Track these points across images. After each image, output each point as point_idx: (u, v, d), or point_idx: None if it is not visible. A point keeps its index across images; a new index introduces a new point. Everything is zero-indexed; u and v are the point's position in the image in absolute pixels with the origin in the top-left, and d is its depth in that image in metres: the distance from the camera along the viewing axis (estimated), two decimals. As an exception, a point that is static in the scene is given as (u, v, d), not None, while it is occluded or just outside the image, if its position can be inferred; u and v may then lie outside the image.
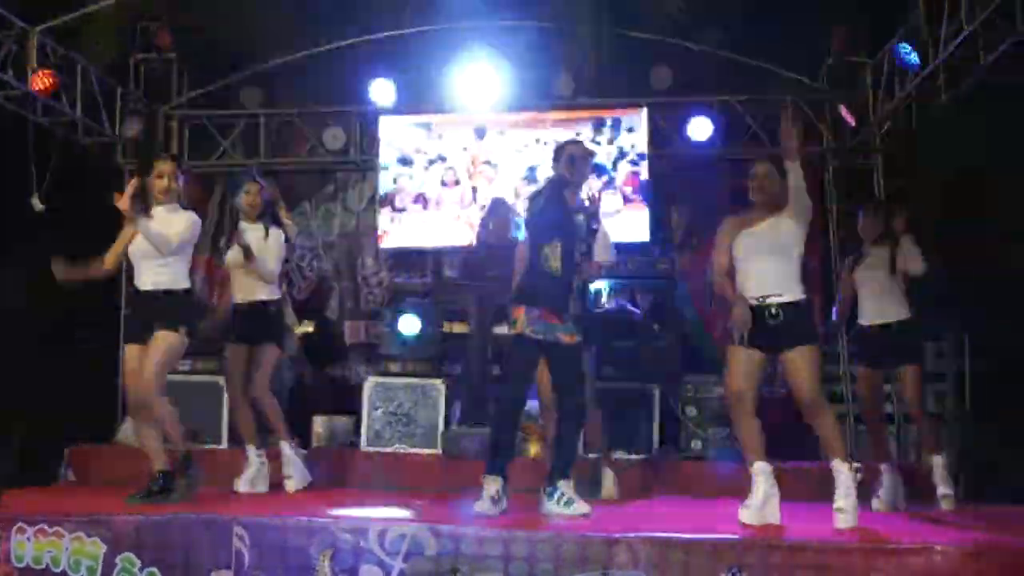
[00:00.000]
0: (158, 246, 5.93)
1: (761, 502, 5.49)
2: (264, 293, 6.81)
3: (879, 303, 6.77)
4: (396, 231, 9.72)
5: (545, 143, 9.44)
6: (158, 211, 6.08)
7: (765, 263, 5.60)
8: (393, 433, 7.92)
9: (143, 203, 6.06)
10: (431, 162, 9.79)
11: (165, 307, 6.01)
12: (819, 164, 9.52)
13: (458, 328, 8.45)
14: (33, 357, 6.00)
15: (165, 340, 5.95)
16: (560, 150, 6.07)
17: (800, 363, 5.51)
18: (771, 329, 5.54)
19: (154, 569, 5.16)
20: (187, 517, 5.28)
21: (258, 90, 10.17)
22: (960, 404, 10.13)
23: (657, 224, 9.65)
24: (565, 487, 5.80)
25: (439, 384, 7.98)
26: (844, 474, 5.44)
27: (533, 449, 7.73)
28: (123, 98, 9.88)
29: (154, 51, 10.15)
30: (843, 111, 9.21)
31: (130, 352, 6.11)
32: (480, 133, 9.81)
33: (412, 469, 7.61)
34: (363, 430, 7.98)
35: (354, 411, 8.39)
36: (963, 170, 9.03)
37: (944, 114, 8.41)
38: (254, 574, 5.11)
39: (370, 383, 8.08)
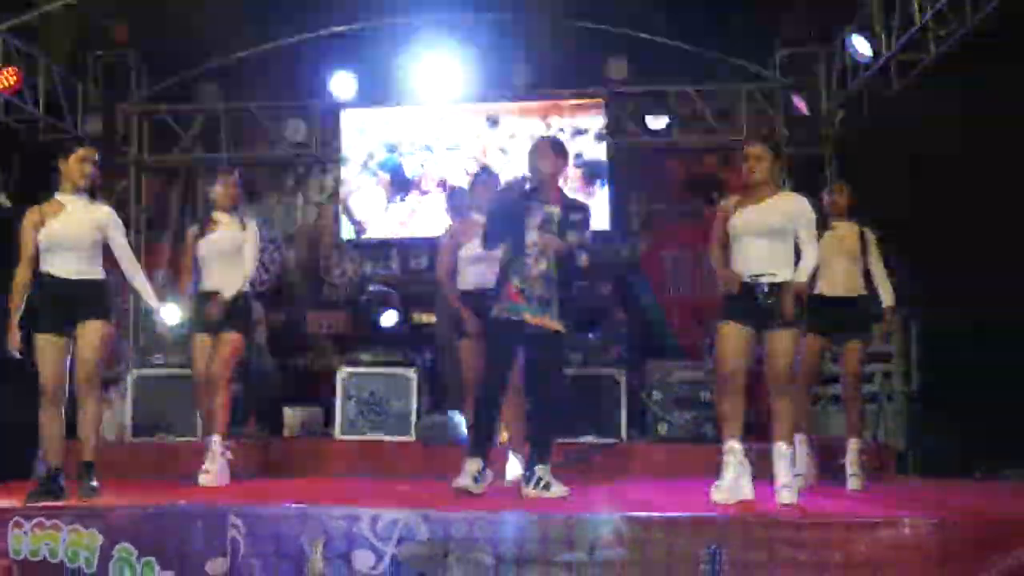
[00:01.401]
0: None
1: (732, 481, 5.64)
2: (237, 284, 6.75)
3: (844, 275, 6.93)
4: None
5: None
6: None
7: (759, 242, 5.73)
8: (366, 422, 8.05)
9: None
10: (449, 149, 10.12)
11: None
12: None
13: (427, 318, 8.60)
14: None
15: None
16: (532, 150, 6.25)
17: (782, 345, 5.69)
18: (761, 307, 5.67)
19: (151, 559, 5.25)
20: (183, 507, 5.38)
21: (216, 85, 10.23)
22: (906, 385, 10.46)
23: (617, 212, 9.86)
24: (542, 472, 5.96)
25: (411, 372, 8.13)
26: (784, 457, 5.63)
27: (505, 435, 7.89)
28: (84, 95, 9.92)
29: (112, 47, 10.19)
30: (795, 100, 9.45)
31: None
32: (492, 122, 10.06)
33: (387, 456, 7.77)
34: (337, 419, 8.10)
35: (320, 401, 8.53)
36: (914, 157, 9.32)
37: (896, 104, 8.68)
38: (249, 562, 5.23)
39: (343, 373, 8.19)
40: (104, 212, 6.06)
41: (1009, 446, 7.89)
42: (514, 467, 6.80)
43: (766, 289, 5.66)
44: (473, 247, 6.69)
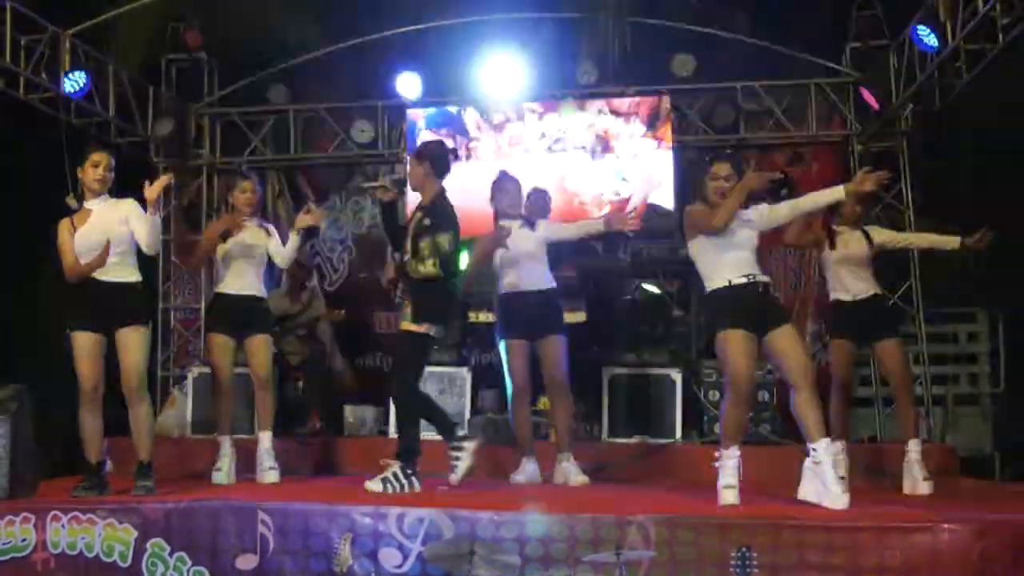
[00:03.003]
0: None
1: (737, 483, 5.60)
2: (256, 288, 6.95)
3: (855, 279, 6.87)
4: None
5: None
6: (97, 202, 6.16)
7: (740, 250, 5.71)
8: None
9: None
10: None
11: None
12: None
13: (483, 317, 8.59)
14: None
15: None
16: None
17: (786, 342, 5.61)
18: (760, 309, 5.64)
19: (183, 554, 5.34)
20: (214, 504, 5.46)
21: (285, 87, 10.36)
22: (994, 386, 10.19)
23: (681, 211, 9.70)
24: (396, 467, 6.22)
25: (465, 372, 8.15)
26: (823, 455, 5.50)
27: (553, 434, 7.87)
28: (155, 98, 10.12)
29: (184, 51, 10.38)
30: (865, 95, 9.25)
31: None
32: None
33: (439, 456, 7.75)
34: (391, 418, 8.08)
35: (384, 401, 8.57)
36: (990, 148, 9.08)
37: (967, 95, 8.46)
38: (279, 558, 5.28)
39: (400, 373, 8.20)
40: (126, 204, 6.16)
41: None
42: (563, 470, 6.82)
43: (761, 288, 5.67)
44: (509, 248, 6.83)
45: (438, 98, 10.23)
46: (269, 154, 10.59)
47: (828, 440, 5.58)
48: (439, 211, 6.35)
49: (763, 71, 9.89)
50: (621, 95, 9.89)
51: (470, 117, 10.05)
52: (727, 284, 5.68)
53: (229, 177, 7.21)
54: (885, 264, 7.24)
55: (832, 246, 6.87)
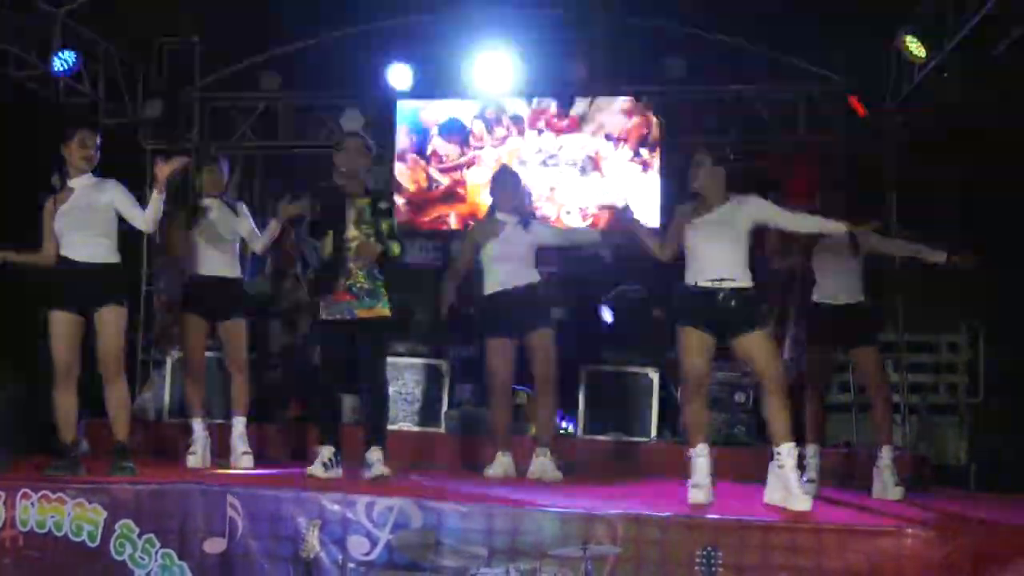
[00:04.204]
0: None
1: (707, 481, 5.64)
2: (229, 270, 6.94)
3: (834, 282, 6.80)
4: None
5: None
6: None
7: (716, 249, 5.75)
8: (398, 411, 8.08)
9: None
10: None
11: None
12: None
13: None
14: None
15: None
16: None
17: (751, 348, 5.66)
18: (721, 313, 5.69)
19: (151, 535, 5.36)
20: (183, 486, 5.48)
21: (276, 74, 10.34)
22: (972, 396, 10.21)
23: (668, 210, 9.72)
24: (379, 454, 6.29)
25: (444, 364, 8.16)
26: (787, 459, 5.56)
27: (533, 429, 7.89)
28: (145, 80, 10.11)
29: (177, 34, 10.36)
30: (852, 101, 9.27)
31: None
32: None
33: (416, 446, 7.79)
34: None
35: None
36: (977, 160, 9.10)
37: (958, 105, 8.49)
38: (246, 542, 5.30)
39: (377, 362, 8.22)
40: (110, 186, 6.16)
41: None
42: (540, 465, 6.82)
43: (727, 295, 5.70)
44: (500, 245, 6.82)
45: (430, 90, 10.22)
46: (257, 141, 10.55)
47: (792, 445, 5.61)
48: (387, 195, 6.56)
49: (753, 76, 9.89)
50: (611, 94, 9.93)
51: (476, 128, 10.18)
52: (693, 284, 5.78)
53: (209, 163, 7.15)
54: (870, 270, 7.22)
55: (856, 251, 6.75)
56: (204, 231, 6.87)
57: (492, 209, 7.07)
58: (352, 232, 6.32)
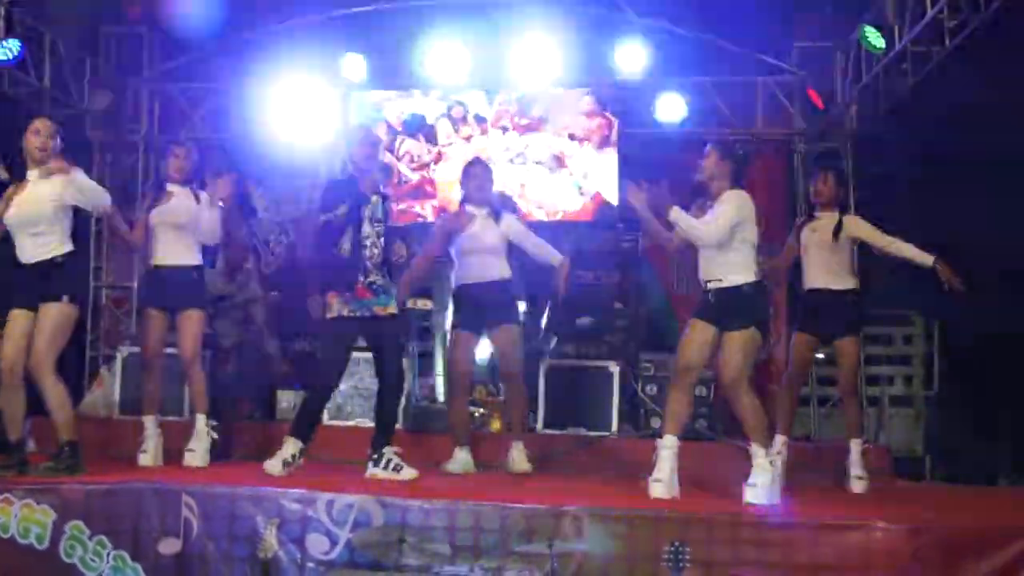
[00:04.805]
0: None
1: (669, 476, 5.58)
2: (190, 257, 6.74)
3: (823, 269, 6.73)
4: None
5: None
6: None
7: (706, 251, 5.75)
8: (355, 407, 7.95)
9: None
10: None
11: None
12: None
13: (421, 304, 8.49)
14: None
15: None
16: None
17: (731, 345, 5.61)
18: (714, 308, 5.68)
19: (103, 537, 5.17)
20: (136, 486, 5.31)
21: (228, 64, 10.15)
22: (928, 388, 10.27)
23: (626, 203, 9.64)
24: (390, 453, 6.15)
25: (404, 360, 8.00)
26: (760, 457, 5.52)
27: (495, 424, 7.81)
28: (92, 70, 9.89)
29: (125, 24, 10.16)
30: (811, 94, 9.27)
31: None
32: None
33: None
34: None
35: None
36: (930, 153, 9.11)
37: (912, 97, 8.48)
38: (202, 543, 5.14)
39: (334, 357, 8.07)
40: (59, 181, 5.87)
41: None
42: (512, 457, 6.78)
43: (712, 296, 5.72)
44: (470, 238, 6.77)
45: (385, 81, 10.13)
46: (208, 132, 10.36)
47: (756, 445, 5.57)
48: (385, 194, 6.42)
49: (710, 67, 9.86)
50: (570, 87, 9.92)
51: (442, 128, 10.15)
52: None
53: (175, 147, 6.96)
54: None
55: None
56: (162, 219, 6.68)
57: (463, 202, 6.98)
58: (367, 229, 6.18)
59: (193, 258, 6.74)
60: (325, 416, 7.87)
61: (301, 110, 10.08)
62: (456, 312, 6.95)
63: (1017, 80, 7.62)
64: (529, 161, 9.99)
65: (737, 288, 5.66)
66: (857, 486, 6.46)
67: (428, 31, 9.73)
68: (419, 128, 10.18)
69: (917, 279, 7.56)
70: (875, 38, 8.18)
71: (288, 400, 8.57)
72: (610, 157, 9.86)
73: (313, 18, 9.98)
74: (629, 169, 9.61)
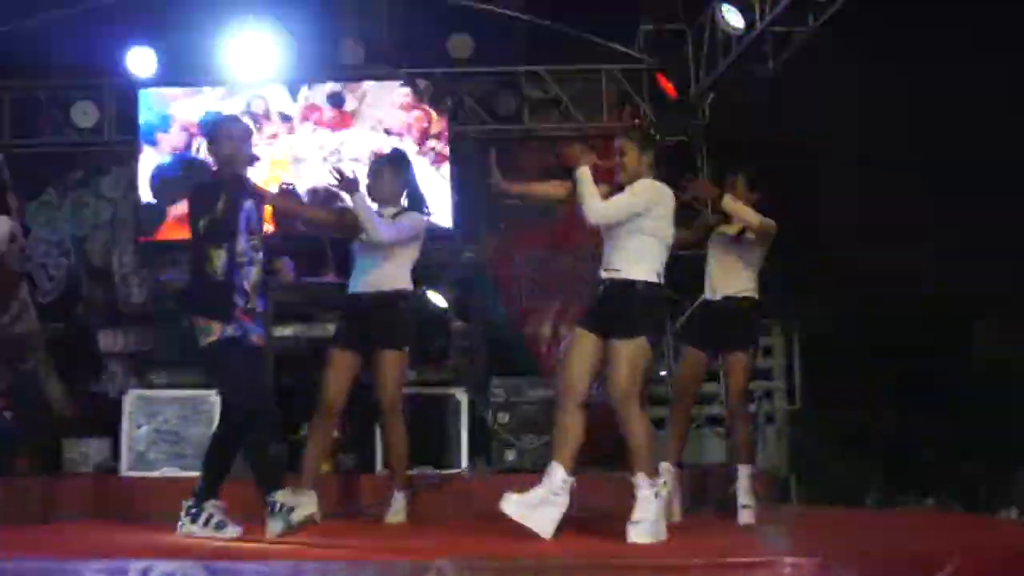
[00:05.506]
0: None
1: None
2: None
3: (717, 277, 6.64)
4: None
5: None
6: None
7: (610, 238, 5.59)
8: (159, 454, 7.52)
9: None
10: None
11: None
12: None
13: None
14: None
15: None
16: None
17: (616, 357, 5.41)
18: (600, 308, 5.52)
19: None
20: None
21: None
22: (790, 403, 10.31)
23: (460, 209, 9.46)
24: (212, 507, 5.67)
25: (212, 396, 7.55)
26: (645, 489, 5.32)
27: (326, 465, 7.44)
28: None
29: None
30: (661, 81, 9.25)
31: None
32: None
33: (183, 496, 7.17)
34: (123, 452, 7.57)
35: (114, 432, 7.93)
36: (790, 144, 9.17)
37: (773, 83, 8.50)
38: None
39: (131, 397, 7.69)
40: None
41: (906, 472, 7.75)
42: (398, 506, 6.50)
43: (603, 285, 5.58)
44: (359, 242, 6.44)
45: (176, 77, 9.74)
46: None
47: (641, 475, 5.36)
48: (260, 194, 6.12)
49: (549, 55, 9.76)
50: (391, 78, 9.69)
51: None
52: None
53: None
54: (678, 268, 7.00)
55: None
56: None
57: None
58: (243, 243, 5.73)
59: None
60: (123, 466, 7.51)
61: (79, 112, 9.67)
62: (338, 326, 6.64)
63: (887, 64, 7.71)
64: (345, 159, 9.65)
65: (631, 283, 5.48)
66: (744, 515, 6.33)
67: (229, 22, 9.35)
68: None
69: (773, 283, 7.54)
70: (732, 16, 8.20)
71: (75, 450, 8.06)
72: (434, 167, 9.63)
73: (91, 5, 9.53)
74: (462, 170, 9.42)
